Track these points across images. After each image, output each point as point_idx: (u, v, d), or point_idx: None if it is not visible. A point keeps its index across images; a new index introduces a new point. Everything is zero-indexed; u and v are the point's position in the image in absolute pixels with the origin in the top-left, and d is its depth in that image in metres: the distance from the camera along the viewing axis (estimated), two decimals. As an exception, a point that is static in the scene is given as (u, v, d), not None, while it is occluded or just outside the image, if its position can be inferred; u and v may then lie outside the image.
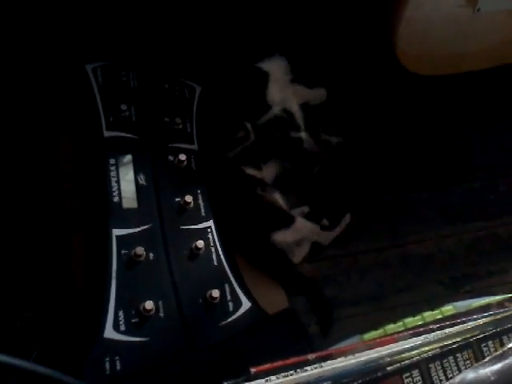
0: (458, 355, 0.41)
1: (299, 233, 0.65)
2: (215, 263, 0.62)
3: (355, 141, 0.76)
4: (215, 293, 0.59)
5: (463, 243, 0.75)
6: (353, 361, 0.38)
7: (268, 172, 0.68)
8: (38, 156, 0.67)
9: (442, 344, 0.41)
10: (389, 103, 0.84)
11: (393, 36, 0.78)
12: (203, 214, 0.65)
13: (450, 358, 0.41)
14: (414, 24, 0.76)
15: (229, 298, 0.61)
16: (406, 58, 0.80)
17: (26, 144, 0.68)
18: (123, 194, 0.63)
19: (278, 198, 0.67)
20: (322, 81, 0.80)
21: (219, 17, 0.81)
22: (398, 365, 0.39)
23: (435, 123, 0.85)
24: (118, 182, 0.63)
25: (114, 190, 0.63)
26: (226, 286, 0.61)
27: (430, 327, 0.42)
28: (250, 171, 0.67)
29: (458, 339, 0.41)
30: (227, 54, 0.80)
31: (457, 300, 0.63)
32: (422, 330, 0.41)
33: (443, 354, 0.41)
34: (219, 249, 0.63)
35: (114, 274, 0.58)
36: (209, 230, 0.65)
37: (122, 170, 0.64)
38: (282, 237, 0.65)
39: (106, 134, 0.66)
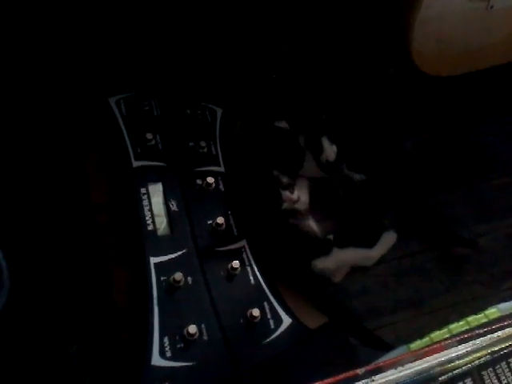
0: (511, 360, 0.40)
1: (339, 259, 0.66)
2: (252, 282, 0.63)
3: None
4: (255, 312, 0.60)
5: (498, 240, 0.75)
6: (404, 373, 0.38)
7: (300, 192, 0.69)
8: (70, 191, 0.69)
9: (492, 350, 0.40)
10: (409, 108, 0.84)
11: (408, 39, 0.78)
12: (236, 235, 0.66)
13: (503, 363, 0.40)
14: (427, 24, 0.76)
15: (269, 315, 0.61)
16: (422, 61, 0.80)
17: (58, 180, 0.70)
18: (157, 222, 0.64)
19: (312, 224, 0.67)
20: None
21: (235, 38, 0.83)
22: (450, 374, 0.39)
23: (457, 123, 0.85)
24: (150, 210, 0.65)
25: (147, 218, 0.64)
26: (266, 304, 0.62)
27: (477, 332, 0.41)
28: (285, 195, 0.68)
29: (508, 343, 0.40)
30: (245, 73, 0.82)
31: (498, 299, 0.62)
32: (468, 335, 0.41)
33: (495, 360, 0.40)
34: (255, 267, 0.64)
35: (155, 301, 0.59)
36: (243, 249, 0.65)
37: (153, 198, 0.66)
38: (322, 264, 0.65)
39: (135, 164, 0.68)
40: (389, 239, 0.69)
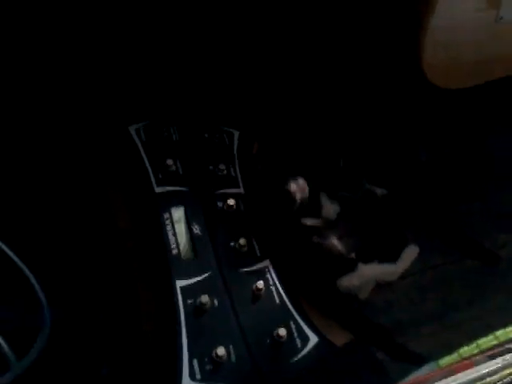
0: (543, 374, 0.40)
1: (364, 275, 0.66)
2: (277, 302, 0.64)
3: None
4: (282, 331, 0.60)
5: (521, 249, 0.74)
6: (435, 391, 0.39)
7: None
8: (95, 218, 0.71)
9: (523, 365, 0.41)
10: (423, 120, 0.85)
11: (418, 51, 0.78)
12: (259, 255, 0.67)
13: (535, 378, 0.40)
14: (438, 34, 0.76)
15: (295, 334, 0.62)
16: (433, 73, 0.81)
17: (83, 208, 0.72)
18: (181, 246, 0.66)
19: (335, 242, 0.67)
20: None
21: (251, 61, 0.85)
22: (483, 391, 0.39)
23: (472, 134, 0.85)
24: (174, 234, 0.66)
25: (171, 243, 0.66)
26: (292, 323, 0.62)
27: (506, 347, 0.42)
28: (310, 222, 0.68)
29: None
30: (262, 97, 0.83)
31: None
32: (498, 350, 0.41)
33: (527, 376, 0.41)
34: (279, 287, 0.65)
35: (183, 325, 0.60)
36: (266, 269, 0.66)
37: (176, 223, 0.67)
38: (347, 282, 0.66)
39: (157, 190, 0.69)
40: (411, 253, 0.69)
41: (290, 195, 0.69)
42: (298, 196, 0.69)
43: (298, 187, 0.69)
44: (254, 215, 0.71)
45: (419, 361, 0.55)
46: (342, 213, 0.71)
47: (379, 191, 0.73)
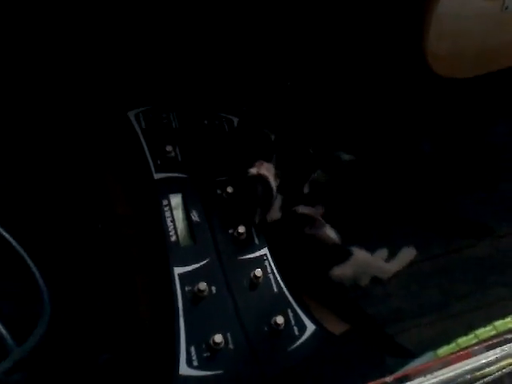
0: (542, 365, 0.40)
1: (357, 266, 0.66)
2: (275, 290, 0.64)
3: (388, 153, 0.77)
4: (280, 319, 0.60)
5: (521, 241, 0.74)
6: (434, 380, 0.38)
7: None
8: (93, 203, 0.71)
9: (522, 355, 0.40)
10: (426, 110, 0.84)
11: (423, 40, 0.77)
12: (257, 243, 0.67)
13: (534, 369, 0.40)
14: (443, 23, 0.75)
15: (293, 322, 0.61)
16: (437, 62, 0.80)
17: (82, 194, 0.71)
18: (179, 233, 0.65)
19: (329, 231, 0.67)
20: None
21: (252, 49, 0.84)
22: (482, 382, 0.39)
23: (475, 123, 0.85)
24: (173, 221, 0.66)
25: (170, 229, 0.65)
26: (289, 311, 0.62)
27: (505, 338, 0.41)
28: (303, 210, 0.68)
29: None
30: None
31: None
32: (496, 341, 0.41)
33: (525, 366, 0.40)
34: (277, 275, 0.65)
35: (180, 312, 0.60)
36: (264, 257, 0.66)
37: (175, 210, 0.67)
38: (340, 271, 0.65)
39: (156, 176, 0.69)
40: (407, 255, 0.69)
41: (263, 179, 0.67)
42: (272, 179, 0.67)
43: (267, 170, 0.68)
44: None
45: (410, 355, 0.54)
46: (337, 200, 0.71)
47: (346, 157, 0.72)
